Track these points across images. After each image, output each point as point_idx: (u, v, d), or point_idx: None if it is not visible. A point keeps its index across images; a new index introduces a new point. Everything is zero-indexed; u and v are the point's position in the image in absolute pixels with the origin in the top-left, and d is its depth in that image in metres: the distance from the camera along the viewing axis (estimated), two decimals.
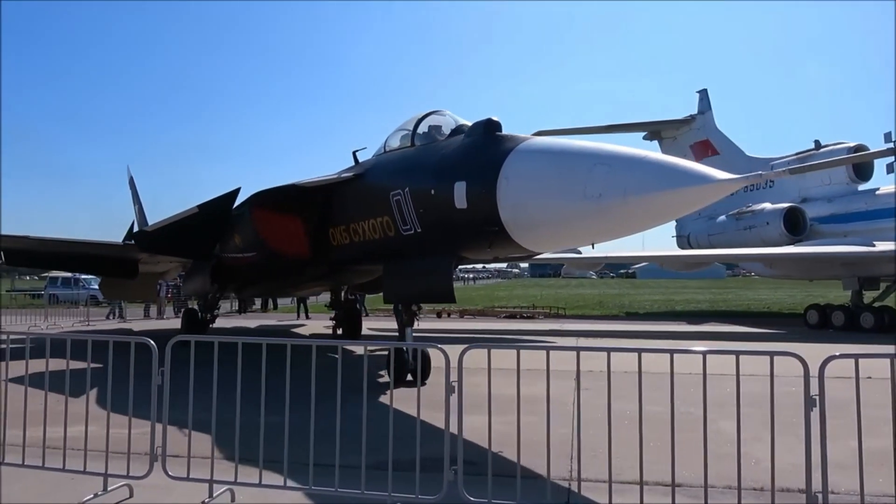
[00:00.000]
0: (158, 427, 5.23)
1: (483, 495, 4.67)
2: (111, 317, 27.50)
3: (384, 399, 8.82)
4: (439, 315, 29.69)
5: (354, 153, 12.26)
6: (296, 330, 22.62)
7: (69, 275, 36.16)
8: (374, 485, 4.86)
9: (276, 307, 34.12)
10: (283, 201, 12.09)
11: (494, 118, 9.12)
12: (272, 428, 5.34)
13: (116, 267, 18.67)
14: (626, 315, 30.78)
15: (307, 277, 14.59)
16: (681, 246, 34.00)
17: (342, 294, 18.78)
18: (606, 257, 23.78)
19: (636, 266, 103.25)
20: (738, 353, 4.48)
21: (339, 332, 19.09)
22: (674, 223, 36.59)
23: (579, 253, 22.80)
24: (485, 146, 8.77)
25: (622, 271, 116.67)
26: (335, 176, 11.72)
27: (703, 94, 34.86)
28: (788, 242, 25.32)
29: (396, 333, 11.06)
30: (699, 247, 30.97)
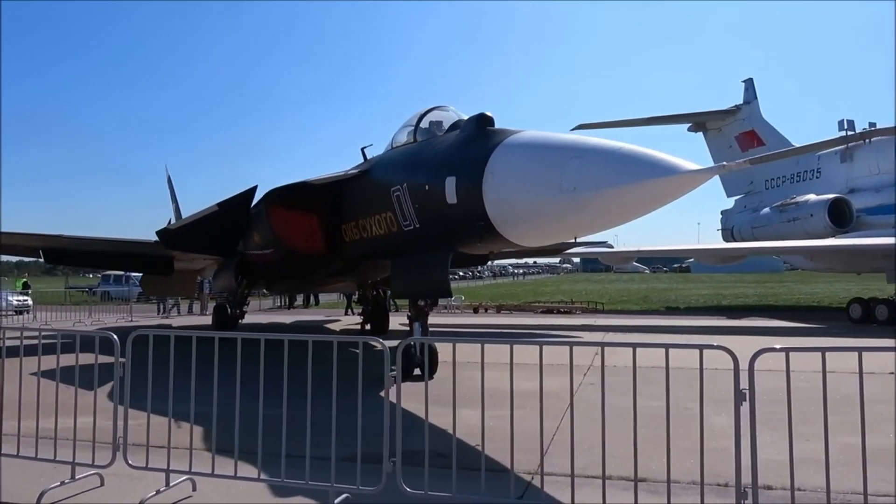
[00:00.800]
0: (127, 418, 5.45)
1: (422, 486, 4.72)
2: (159, 312, 28.54)
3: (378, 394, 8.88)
4: (476, 310, 29.73)
5: (363, 150, 12.42)
6: (328, 325, 23.01)
7: (121, 272, 37.55)
8: (321, 475, 4.95)
9: (317, 303, 34.73)
10: (295, 199, 12.34)
11: (487, 113, 9.10)
12: (243, 422, 5.42)
13: (151, 264, 19.34)
14: (665, 310, 30.16)
15: (326, 273, 14.79)
16: (725, 239, 33.16)
17: (370, 289, 18.96)
18: (638, 251, 23.35)
19: (690, 260, 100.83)
20: (667, 347, 4.40)
21: (367, 327, 19.34)
22: (719, 216, 35.79)
23: (611, 247, 22.55)
24: (474, 141, 8.78)
25: (675, 265, 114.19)
26: (342, 173, 11.90)
27: (749, 83, 33.84)
28: (833, 234, 24.41)
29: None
30: (742, 239, 30.10)
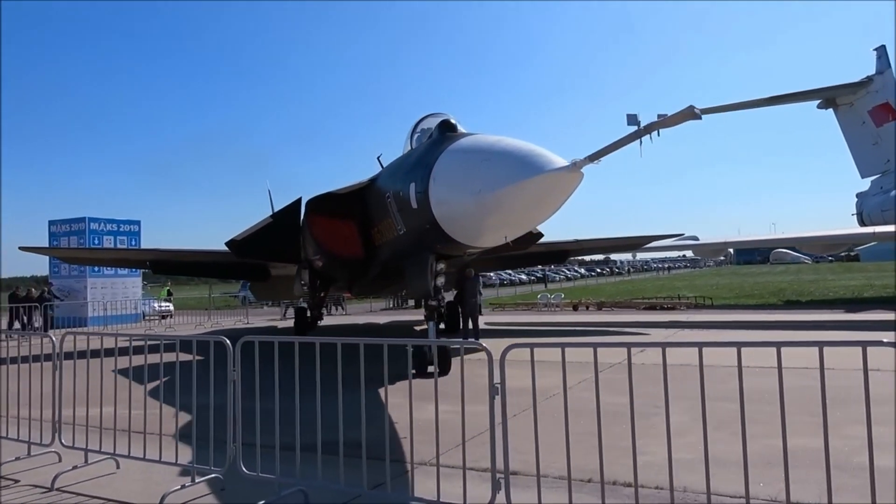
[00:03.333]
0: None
1: (264, 469, 5.30)
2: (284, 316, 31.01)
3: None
4: (576, 308, 29.41)
5: (378, 158, 13.09)
6: (417, 327, 23.86)
7: None
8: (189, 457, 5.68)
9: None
10: (329, 208, 13.25)
11: (451, 119, 9.41)
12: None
13: (248, 271, 21.19)
14: (783, 304, 28.09)
15: (375, 275, 15.52)
16: (859, 224, 30.27)
17: None
18: (726, 242, 22.01)
19: (861, 247, 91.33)
20: (430, 344, 4.62)
21: (441, 326, 19.95)
22: (854, 199, 32.65)
23: (696, 239, 21.51)
24: (433, 147, 9.14)
25: (843, 254, 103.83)
26: (358, 183, 12.62)
27: (881, 51, 30.58)
28: None
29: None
30: (872, 223, 27.34)
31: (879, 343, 3.56)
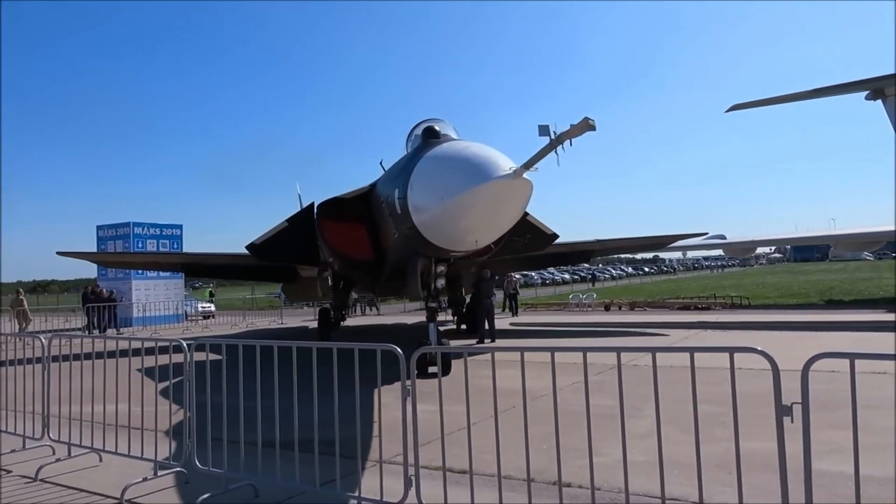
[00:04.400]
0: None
1: (215, 464, 5.64)
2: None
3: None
4: (607, 308, 29.19)
5: (381, 163, 13.40)
6: (442, 328, 24.09)
7: None
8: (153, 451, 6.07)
9: None
10: (338, 212, 13.64)
11: (435, 126, 9.63)
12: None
13: (276, 273, 21.81)
14: (824, 303, 27.31)
15: (388, 276, 15.83)
16: None
17: (457, 291, 19.73)
18: (753, 241, 21.53)
19: None
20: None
21: (463, 327, 20.26)
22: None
23: (723, 238, 21.13)
24: (415, 154, 9.38)
25: None
26: (360, 189, 12.96)
27: None
28: None
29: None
30: None
31: (751, 350, 3.62)
